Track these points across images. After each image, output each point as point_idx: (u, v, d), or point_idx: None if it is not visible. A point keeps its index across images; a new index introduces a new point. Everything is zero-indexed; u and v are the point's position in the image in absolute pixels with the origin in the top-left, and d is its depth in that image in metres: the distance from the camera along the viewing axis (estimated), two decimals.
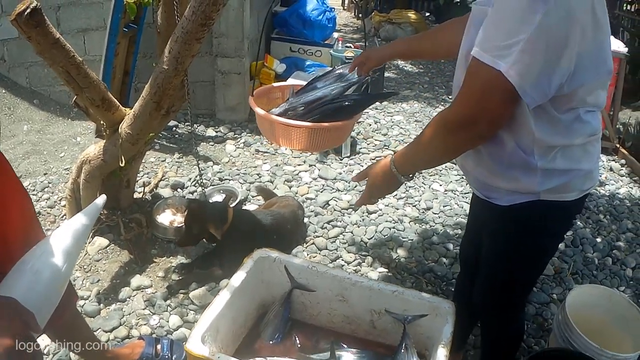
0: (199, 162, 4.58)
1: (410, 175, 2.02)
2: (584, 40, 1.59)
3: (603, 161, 5.38)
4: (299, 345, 2.52)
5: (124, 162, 3.29)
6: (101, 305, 3.14)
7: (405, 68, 8.16)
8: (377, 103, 6.26)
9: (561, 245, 3.83)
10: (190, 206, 3.30)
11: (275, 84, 3.01)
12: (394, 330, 2.45)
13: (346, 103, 2.51)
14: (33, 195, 4.21)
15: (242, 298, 2.39)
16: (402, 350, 2.30)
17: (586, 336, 2.50)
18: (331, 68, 2.86)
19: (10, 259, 1.63)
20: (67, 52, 2.79)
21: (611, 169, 5.27)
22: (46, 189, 4.24)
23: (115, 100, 3.28)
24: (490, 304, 2.33)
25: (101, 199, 1.91)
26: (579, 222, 4.15)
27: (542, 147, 1.79)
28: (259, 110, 2.54)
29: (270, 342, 2.51)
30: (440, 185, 4.57)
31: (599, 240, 3.98)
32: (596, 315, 2.80)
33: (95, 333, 2.82)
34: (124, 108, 3.34)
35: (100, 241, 3.58)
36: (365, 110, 5.84)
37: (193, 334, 2.04)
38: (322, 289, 2.49)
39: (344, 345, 2.49)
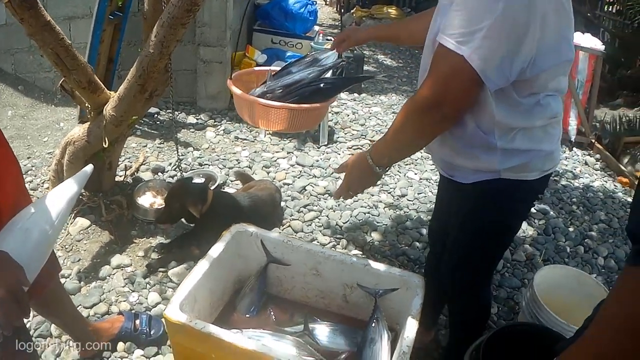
0: (179, 147, 4.64)
1: (387, 167, 2.07)
2: (546, 27, 1.67)
3: (578, 155, 5.50)
4: (273, 319, 2.59)
5: (107, 143, 3.34)
6: (81, 283, 3.20)
7: (385, 62, 8.25)
8: (356, 94, 6.36)
9: (533, 233, 3.95)
10: (172, 185, 3.38)
11: (254, 69, 3.10)
12: (365, 304, 2.53)
13: (323, 85, 2.59)
14: None
15: (219, 270, 2.47)
16: (373, 323, 2.37)
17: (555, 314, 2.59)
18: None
19: (0, 223, 1.70)
20: (57, 35, 2.86)
21: (586, 163, 5.39)
22: (29, 172, 4.28)
23: (101, 83, 3.34)
24: (457, 280, 2.41)
25: (89, 167, 1.97)
26: (551, 212, 4.26)
27: (503, 128, 1.87)
28: (237, 91, 2.61)
29: (247, 315, 2.59)
30: (416, 173, 4.66)
31: (571, 229, 4.09)
32: (564, 295, 2.89)
33: None
34: (108, 91, 3.40)
35: (82, 222, 3.63)
36: (344, 101, 5.98)
37: (172, 302, 2.11)
38: (297, 263, 2.57)
39: (317, 319, 2.57)
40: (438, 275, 2.49)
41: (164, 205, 3.41)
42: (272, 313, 2.61)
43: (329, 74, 2.68)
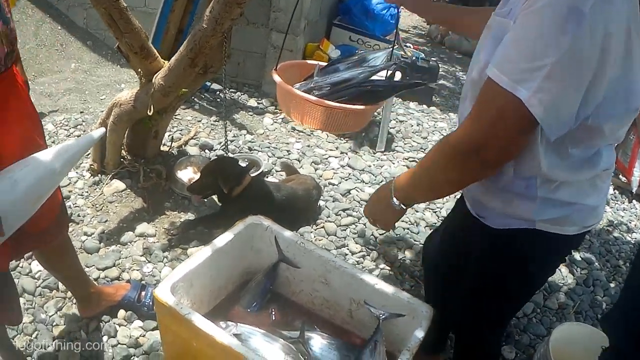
0: (233, 128, 4.61)
1: (405, 204, 1.84)
2: (614, 68, 1.42)
3: (637, 208, 5.24)
4: (273, 319, 2.52)
5: (152, 110, 3.31)
6: (101, 244, 3.21)
7: (462, 79, 8.07)
8: (425, 106, 6.21)
9: (572, 282, 3.75)
10: (213, 159, 3.33)
11: (304, 61, 3.03)
12: (370, 324, 2.41)
13: (374, 88, 2.48)
14: (65, 130, 4.28)
15: (226, 259, 2.40)
16: (370, 346, 2.25)
17: None
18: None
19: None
20: None
21: None
22: (79, 126, 4.31)
23: (155, 50, 3.33)
24: (469, 324, 2.26)
25: (98, 132, 1.92)
26: (596, 263, 4.04)
27: (546, 177, 1.65)
28: (278, 79, 2.55)
29: (248, 310, 2.52)
30: None
31: (612, 285, 3.87)
32: (577, 352, 2.74)
33: (87, 269, 2.89)
34: (162, 60, 3.37)
35: (118, 184, 3.64)
36: (411, 111, 5.86)
37: (164, 282, 2.05)
38: (307, 267, 2.48)
39: (317, 328, 2.48)
40: (441, 302, 2.35)
41: (200, 176, 3.35)
42: (273, 313, 2.53)
43: (380, 76, 2.57)
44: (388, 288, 2.31)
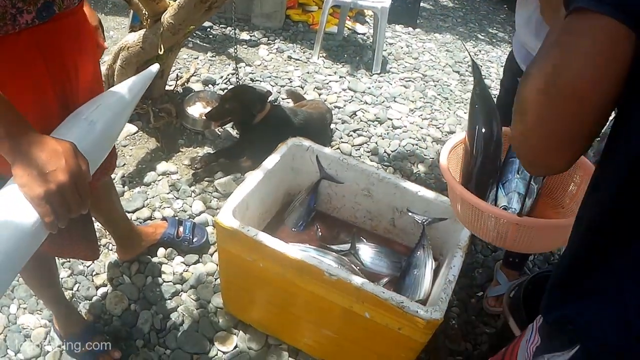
0: (232, 62, 4.61)
1: None
2: None
3: None
4: (320, 235, 2.59)
5: (162, 49, 3.32)
6: (125, 187, 3.23)
7: (441, 1, 8.05)
8: (410, 29, 6.25)
9: None
10: (234, 87, 3.34)
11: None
12: (412, 231, 2.52)
13: None
14: None
15: (271, 181, 2.46)
16: (419, 251, 2.36)
17: None
18: None
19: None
20: None
21: None
22: None
23: None
24: None
25: (155, 67, 1.94)
26: None
27: None
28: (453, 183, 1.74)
29: (293, 230, 2.59)
30: (465, 112, 4.58)
31: None
32: None
33: None
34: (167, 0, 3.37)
35: (129, 127, 3.65)
36: (398, 34, 5.89)
37: (225, 207, 2.11)
38: (350, 182, 2.55)
39: (364, 239, 2.56)
40: None
41: (218, 103, 3.38)
42: (319, 229, 2.61)
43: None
44: (429, 194, 2.40)
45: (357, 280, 1.89)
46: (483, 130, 1.80)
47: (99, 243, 2.77)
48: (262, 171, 2.34)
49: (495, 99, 2.07)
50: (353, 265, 2.37)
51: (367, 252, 2.47)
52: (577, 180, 1.85)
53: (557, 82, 0.85)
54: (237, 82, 3.77)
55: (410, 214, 2.43)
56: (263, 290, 2.26)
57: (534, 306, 2.03)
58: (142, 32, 3.43)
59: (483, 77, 1.94)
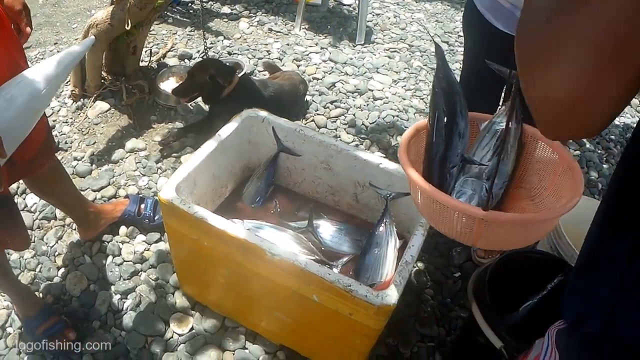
0: (210, 36, 4.52)
1: None
2: None
3: None
4: (278, 211, 2.49)
5: (129, 25, 3.23)
6: (93, 166, 3.18)
7: None
8: None
9: None
10: (200, 60, 3.30)
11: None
12: (376, 207, 2.40)
13: None
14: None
15: (225, 156, 2.37)
16: (381, 227, 2.24)
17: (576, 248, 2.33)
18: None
19: None
20: None
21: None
22: None
23: None
24: None
25: (90, 39, 1.88)
26: (588, 144, 4.04)
27: None
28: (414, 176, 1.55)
29: (252, 206, 2.49)
30: None
31: (605, 166, 3.85)
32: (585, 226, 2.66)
33: (83, 192, 2.86)
34: None
35: (101, 105, 3.58)
36: (387, 4, 5.75)
37: (168, 182, 2.02)
38: (308, 155, 2.44)
39: (324, 215, 2.46)
40: None
41: (185, 78, 3.29)
42: (277, 205, 2.51)
43: None
44: (392, 166, 2.27)
45: (301, 260, 1.79)
46: (445, 118, 1.66)
47: (64, 222, 2.82)
48: (210, 145, 2.25)
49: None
50: (311, 244, 2.27)
51: (327, 229, 2.37)
52: (554, 171, 1.67)
53: None
54: (204, 56, 3.67)
55: (372, 188, 2.32)
56: (213, 270, 2.17)
57: (500, 291, 1.93)
58: (110, 8, 3.35)
59: (447, 60, 1.77)
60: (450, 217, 1.47)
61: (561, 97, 0.71)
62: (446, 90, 1.66)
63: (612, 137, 4.21)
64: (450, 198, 1.49)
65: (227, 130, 2.34)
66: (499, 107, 1.73)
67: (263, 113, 2.46)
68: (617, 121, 4.47)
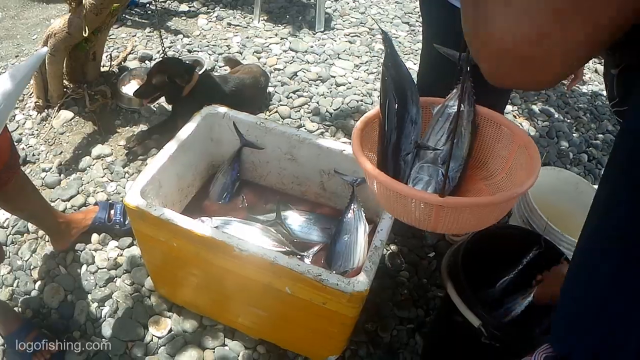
0: (169, 35, 4.50)
1: None
2: None
3: (589, 63, 5.21)
4: (246, 205, 2.50)
5: (87, 32, 3.21)
6: (61, 176, 3.16)
7: None
8: None
9: (535, 134, 3.79)
10: (157, 61, 3.28)
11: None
12: (344, 194, 2.41)
13: None
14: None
15: (189, 155, 2.36)
16: (349, 214, 2.26)
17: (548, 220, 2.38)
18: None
19: None
20: None
21: (596, 71, 5.09)
22: None
23: None
24: None
25: (43, 50, 1.87)
26: (556, 115, 4.06)
27: None
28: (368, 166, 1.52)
29: (219, 202, 2.50)
30: (415, 64, 4.44)
31: (575, 135, 3.89)
32: (560, 201, 2.69)
33: (53, 203, 2.85)
34: None
35: (65, 114, 3.54)
36: None
37: (132, 187, 2.01)
38: (271, 147, 2.45)
39: (291, 206, 2.47)
40: None
41: (145, 80, 3.27)
42: (245, 200, 2.52)
43: None
44: None
45: (270, 253, 1.80)
46: (396, 105, 1.64)
47: (37, 235, 2.80)
48: (173, 145, 2.25)
49: None
50: (280, 236, 2.28)
51: (295, 219, 2.38)
52: (510, 149, 1.67)
53: None
54: (163, 56, 3.65)
55: (337, 174, 2.33)
56: (185, 270, 2.17)
57: (475, 268, 1.94)
58: (66, 16, 3.32)
59: (395, 48, 1.75)
60: (407, 205, 1.46)
61: (512, 40, 0.68)
62: (395, 78, 1.65)
63: (581, 105, 4.25)
64: (405, 186, 1.48)
65: (187, 129, 2.34)
66: (451, 90, 1.72)
67: (223, 109, 2.46)
68: (584, 89, 4.52)
